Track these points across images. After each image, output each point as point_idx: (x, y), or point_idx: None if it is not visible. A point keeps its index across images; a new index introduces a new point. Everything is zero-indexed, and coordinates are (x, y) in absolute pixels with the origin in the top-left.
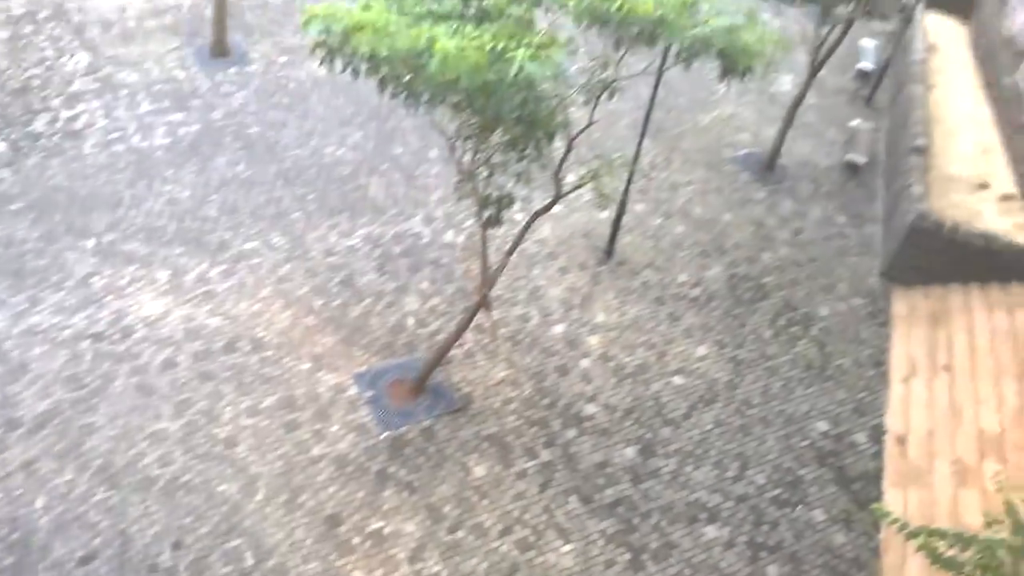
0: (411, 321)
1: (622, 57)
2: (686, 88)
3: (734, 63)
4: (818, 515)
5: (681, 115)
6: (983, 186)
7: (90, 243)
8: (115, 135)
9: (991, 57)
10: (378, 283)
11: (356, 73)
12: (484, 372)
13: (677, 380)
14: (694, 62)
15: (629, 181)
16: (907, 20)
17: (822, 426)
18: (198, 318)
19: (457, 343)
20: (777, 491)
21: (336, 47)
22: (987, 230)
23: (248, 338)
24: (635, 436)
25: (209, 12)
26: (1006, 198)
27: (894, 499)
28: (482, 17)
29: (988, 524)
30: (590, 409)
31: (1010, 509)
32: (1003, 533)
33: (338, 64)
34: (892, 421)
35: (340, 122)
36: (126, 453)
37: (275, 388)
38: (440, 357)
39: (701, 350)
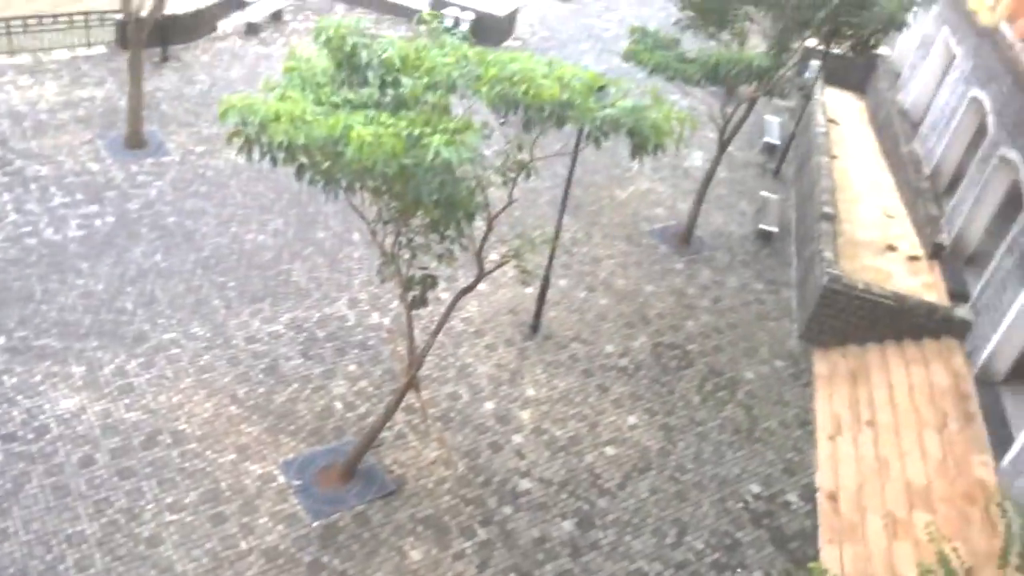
0: (339, 405)
1: (535, 139)
2: (603, 165)
3: (644, 141)
4: None
5: (599, 191)
6: (890, 248)
7: (0, 340)
8: (26, 229)
9: (888, 127)
10: (304, 368)
11: (274, 161)
12: (416, 453)
13: (610, 450)
14: (605, 141)
15: (551, 257)
16: (807, 97)
17: (755, 488)
18: (116, 413)
19: (387, 425)
20: (716, 555)
21: (253, 137)
22: (897, 290)
23: (169, 431)
24: (572, 509)
25: (123, 104)
26: (912, 259)
27: (830, 556)
28: (399, 105)
29: (922, 575)
30: (525, 484)
31: (942, 559)
32: None
33: (256, 153)
34: (822, 479)
35: (260, 208)
36: (43, 558)
37: (199, 482)
38: (370, 440)
39: (632, 419)
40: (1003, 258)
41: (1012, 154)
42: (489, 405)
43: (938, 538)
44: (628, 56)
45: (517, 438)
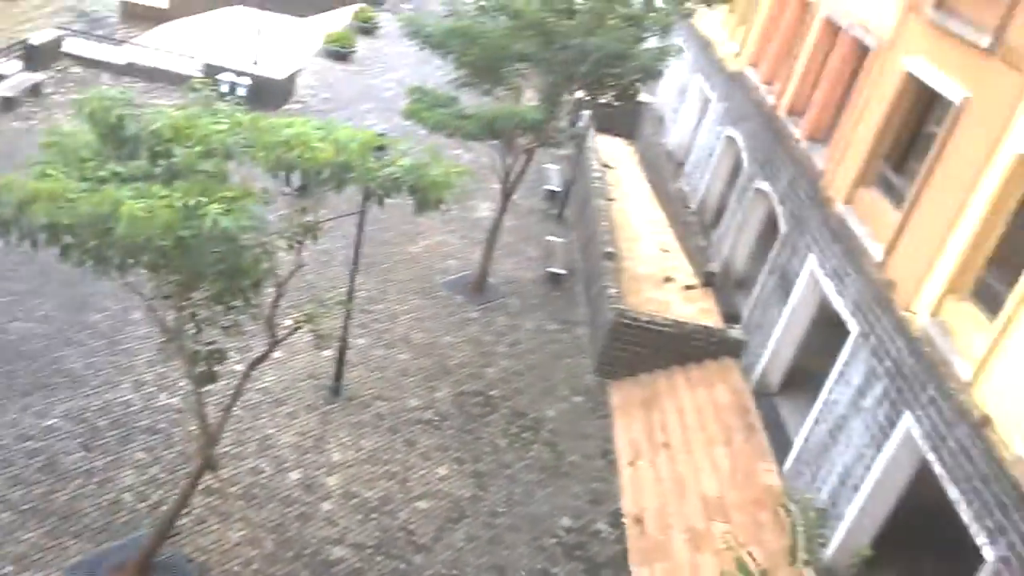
0: (129, 497)
1: (316, 202)
2: (394, 222)
3: (426, 197)
4: None
5: (391, 248)
6: (668, 280)
7: None
8: None
9: (657, 168)
10: (86, 462)
11: (35, 244)
12: (219, 536)
13: (422, 504)
14: (388, 199)
15: (347, 317)
16: (580, 145)
17: (566, 521)
18: None
19: (184, 511)
20: None
21: (11, 219)
22: (677, 318)
23: None
24: (389, 570)
25: None
26: (688, 288)
27: None
28: (172, 175)
29: None
30: (338, 552)
31: (740, 565)
32: None
33: (15, 236)
34: (627, 504)
35: (25, 294)
36: None
37: None
38: (165, 530)
39: (441, 470)
40: (766, 280)
41: (765, 185)
42: (294, 475)
43: (735, 545)
44: (408, 115)
45: (326, 505)
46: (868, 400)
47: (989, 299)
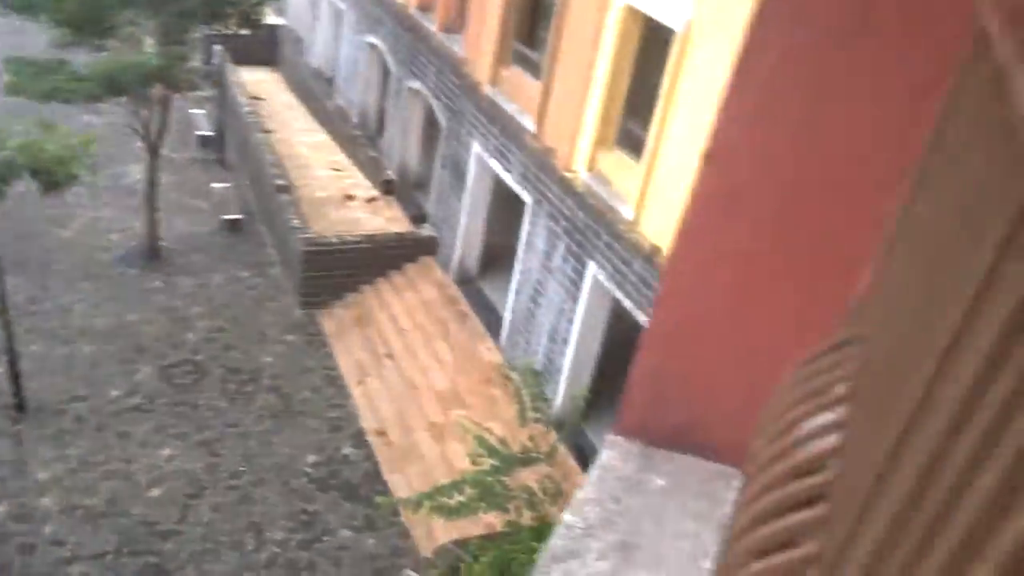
0: None
1: None
2: (33, 211)
3: (52, 177)
4: (346, 534)
5: (40, 239)
6: (349, 198)
7: None
8: None
9: (308, 90)
10: None
11: None
12: None
13: (155, 492)
14: (7, 187)
15: (7, 326)
16: (221, 83)
17: (311, 458)
18: None
19: None
20: (300, 536)
21: None
22: (367, 232)
23: None
24: (140, 566)
25: None
26: (371, 200)
27: (398, 483)
28: None
29: (473, 461)
30: (78, 569)
31: (480, 442)
32: (488, 462)
33: None
34: (367, 422)
35: None
36: None
37: None
38: None
39: (166, 451)
40: (441, 174)
41: (416, 84)
42: (0, 509)
43: (471, 427)
44: (12, 90)
45: (48, 528)
46: (556, 260)
47: (632, 144)
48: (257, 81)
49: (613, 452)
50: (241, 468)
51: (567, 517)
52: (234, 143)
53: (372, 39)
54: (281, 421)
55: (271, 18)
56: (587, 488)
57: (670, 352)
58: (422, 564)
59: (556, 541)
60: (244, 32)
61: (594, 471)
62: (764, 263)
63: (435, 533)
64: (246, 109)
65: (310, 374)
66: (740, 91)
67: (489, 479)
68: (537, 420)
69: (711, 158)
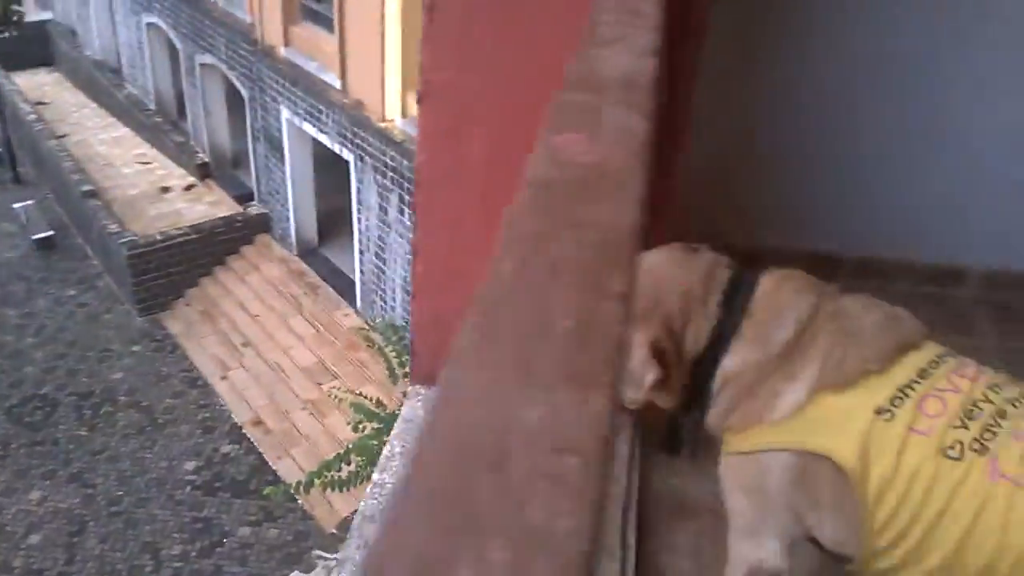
0: None
1: None
2: None
3: None
4: (245, 531)
5: None
6: (165, 190)
7: None
8: None
9: (94, 84)
10: None
11: None
12: None
13: (35, 539)
14: None
15: None
16: None
17: (190, 465)
18: None
19: None
20: (199, 544)
21: None
22: (192, 223)
23: None
24: None
25: None
26: (189, 188)
27: (288, 469)
28: None
29: (355, 429)
30: None
31: (357, 407)
32: (370, 425)
33: None
34: (239, 415)
35: None
36: None
37: None
38: None
39: (36, 495)
40: (256, 147)
41: (207, 58)
42: None
43: (346, 396)
44: None
45: None
46: (392, 213)
47: None
48: (37, 84)
49: (412, 402)
50: (119, 493)
51: (375, 476)
52: (26, 156)
53: (150, 18)
54: (149, 436)
55: (34, 14)
56: (392, 443)
57: (440, 296)
58: (330, 541)
59: (367, 501)
60: (6, 34)
61: (397, 425)
62: (492, 195)
63: (336, 508)
64: (31, 117)
65: (168, 381)
66: (433, 39)
67: (373, 442)
68: (406, 375)
69: (424, 99)
